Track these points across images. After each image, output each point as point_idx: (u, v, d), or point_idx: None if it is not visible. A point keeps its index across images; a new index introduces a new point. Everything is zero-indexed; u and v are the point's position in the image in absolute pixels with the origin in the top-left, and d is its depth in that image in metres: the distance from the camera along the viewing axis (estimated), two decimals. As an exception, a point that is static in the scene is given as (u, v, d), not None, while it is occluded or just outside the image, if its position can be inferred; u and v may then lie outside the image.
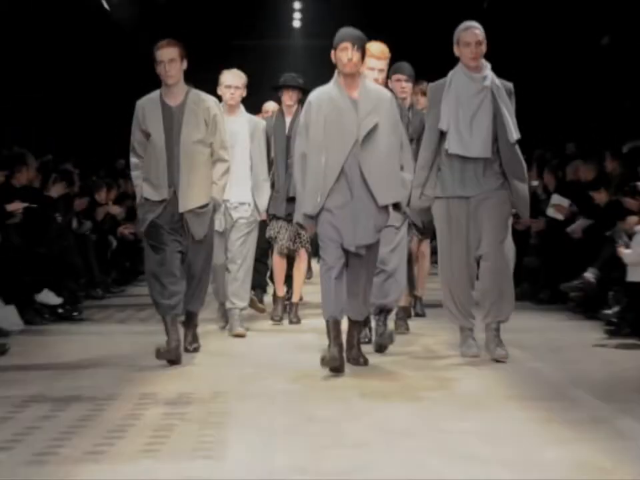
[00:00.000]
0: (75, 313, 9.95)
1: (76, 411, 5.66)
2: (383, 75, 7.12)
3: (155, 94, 6.88)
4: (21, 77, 14.23)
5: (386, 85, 7.12)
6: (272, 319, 9.27)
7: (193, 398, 6.01)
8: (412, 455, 4.66)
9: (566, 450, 4.66)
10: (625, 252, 8.06)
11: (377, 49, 6.92)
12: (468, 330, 7.05)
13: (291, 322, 9.16)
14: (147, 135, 6.80)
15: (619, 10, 13.76)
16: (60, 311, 9.76)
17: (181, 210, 6.76)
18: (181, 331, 7.32)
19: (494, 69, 6.90)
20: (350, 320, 6.82)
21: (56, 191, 10.79)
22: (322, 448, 4.80)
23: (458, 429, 5.14)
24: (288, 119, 8.95)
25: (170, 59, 6.65)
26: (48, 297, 9.67)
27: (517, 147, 6.70)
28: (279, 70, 10.99)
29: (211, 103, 6.94)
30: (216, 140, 6.91)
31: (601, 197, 9.82)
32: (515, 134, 6.60)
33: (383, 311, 7.42)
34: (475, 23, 6.70)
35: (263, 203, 8.34)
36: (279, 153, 8.85)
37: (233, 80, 8.15)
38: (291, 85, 8.92)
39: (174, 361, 6.83)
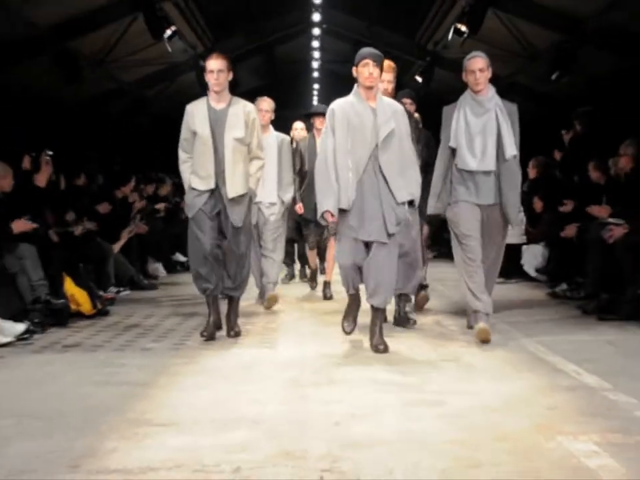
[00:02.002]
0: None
1: (195, 321, 5.62)
2: (392, 85, 5.16)
3: (203, 99, 4.93)
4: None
5: (394, 96, 5.12)
6: (311, 287, 7.42)
7: (259, 313, 5.98)
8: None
9: (493, 354, 4.38)
10: None
11: (385, 64, 4.89)
12: (482, 313, 4.75)
13: (325, 297, 6.84)
14: (194, 134, 4.85)
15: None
16: (187, 265, 9.72)
17: (229, 196, 4.80)
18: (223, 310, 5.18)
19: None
20: (372, 307, 4.53)
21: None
22: (335, 342, 4.76)
23: (428, 359, 4.27)
24: (319, 141, 6.56)
25: (219, 69, 4.77)
26: (179, 257, 9.66)
27: (514, 160, 4.72)
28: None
29: (251, 108, 4.97)
30: (253, 141, 4.91)
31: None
32: (511, 150, 4.66)
33: (402, 296, 5.19)
34: (479, 53, 4.81)
35: (287, 198, 6.36)
36: (312, 169, 6.21)
37: (264, 105, 6.23)
38: (322, 112, 6.55)
39: (209, 338, 4.83)
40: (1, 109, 8.54)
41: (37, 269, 5.64)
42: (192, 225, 4.94)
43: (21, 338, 4.95)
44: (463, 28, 9.01)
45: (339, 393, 3.51)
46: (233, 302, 5.08)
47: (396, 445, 2.78)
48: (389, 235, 4.40)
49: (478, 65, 4.71)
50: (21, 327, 5.00)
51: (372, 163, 4.44)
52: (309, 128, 7.34)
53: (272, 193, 6.24)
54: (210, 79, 4.81)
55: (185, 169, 4.95)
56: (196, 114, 4.85)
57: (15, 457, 2.75)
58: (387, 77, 5.05)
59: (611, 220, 5.94)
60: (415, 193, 4.55)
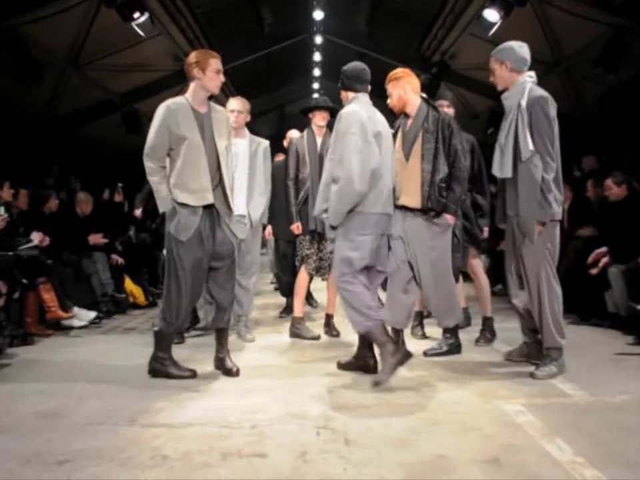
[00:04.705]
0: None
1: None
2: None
3: (182, 100, 3.07)
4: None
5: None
6: (290, 336, 4.28)
7: (269, 306, 5.82)
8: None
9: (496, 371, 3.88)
10: None
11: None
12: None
13: (332, 335, 4.32)
14: (182, 140, 2.98)
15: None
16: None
17: (236, 212, 3.19)
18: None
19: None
20: (393, 329, 3.36)
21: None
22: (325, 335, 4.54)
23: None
24: (319, 139, 4.15)
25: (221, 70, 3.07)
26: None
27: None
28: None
29: (228, 114, 3.37)
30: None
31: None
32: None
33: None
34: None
35: (256, 215, 4.02)
36: (313, 172, 4.09)
37: (236, 105, 4.00)
38: (323, 106, 4.13)
39: (157, 375, 3.19)
40: (80, 154, 8.89)
41: (106, 270, 5.63)
42: (179, 253, 3.01)
43: (92, 322, 4.91)
44: (424, 95, 9.27)
45: (330, 369, 3.43)
46: (224, 335, 3.29)
47: (374, 408, 2.72)
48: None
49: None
50: (92, 314, 4.97)
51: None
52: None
53: (243, 205, 3.99)
54: (214, 78, 3.09)
55: (158, 180, 3.05)
56: (182, 117, 3.03)
57: (88, 411, 2.70)
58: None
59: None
60: (327, 204, 3.07)
